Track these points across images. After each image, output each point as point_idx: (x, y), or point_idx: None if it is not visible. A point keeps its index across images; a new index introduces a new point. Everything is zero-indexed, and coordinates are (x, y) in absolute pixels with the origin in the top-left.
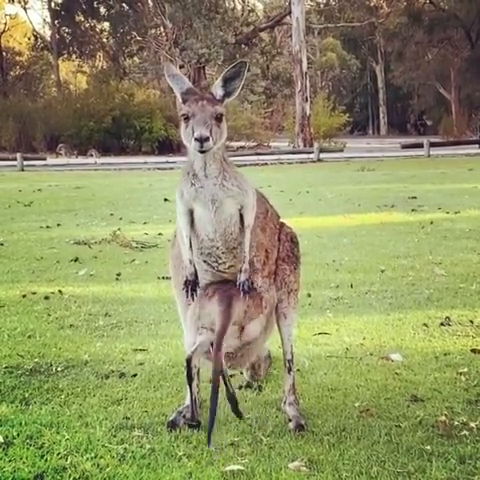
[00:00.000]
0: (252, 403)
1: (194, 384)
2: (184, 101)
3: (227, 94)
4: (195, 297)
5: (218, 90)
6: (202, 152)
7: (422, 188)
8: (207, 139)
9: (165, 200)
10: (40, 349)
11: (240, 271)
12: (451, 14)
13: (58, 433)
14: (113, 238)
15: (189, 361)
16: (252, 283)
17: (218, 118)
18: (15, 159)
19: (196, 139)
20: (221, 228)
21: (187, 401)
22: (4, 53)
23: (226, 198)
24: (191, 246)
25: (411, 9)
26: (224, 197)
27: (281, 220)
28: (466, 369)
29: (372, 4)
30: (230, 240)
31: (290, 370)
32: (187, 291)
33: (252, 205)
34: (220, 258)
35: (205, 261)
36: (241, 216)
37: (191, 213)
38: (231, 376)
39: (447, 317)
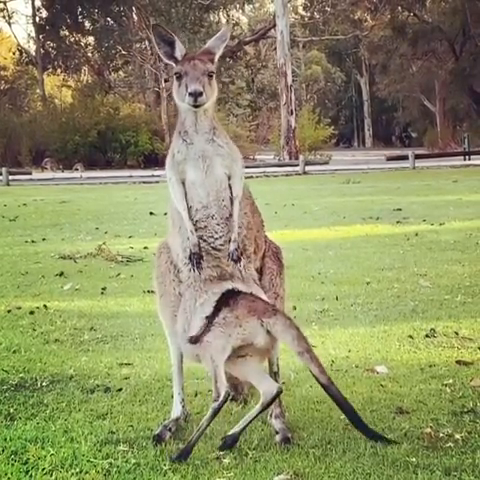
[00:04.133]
0: (238, 416)
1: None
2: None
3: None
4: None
5: (221, 48)
6: (196, 107)
7: (407, 200)
8: (201, 94)
9: (151, 214)
10: (25, 364)
11: (229, 240)
12: (435, 27)
13: (43, 448)
14: (98, 252)
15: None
16: (241, 253)
17: (210, 75)
18: (0, 173)
19: (190, 94)
20: (213, 191)
21: (173, 415)
22: None
23: (216, 156)
24: (190, 217)
25: (395, 22)
26: (214, 154)
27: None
28: (451, 381)
29: (356, 17)
30: (223, 207)
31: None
32: (193, 264)
33: (240, 176)
34: (216, 232)
35: (201, 237)
36: (230, 187)
37: (183, 184)
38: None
39: (432, 329)
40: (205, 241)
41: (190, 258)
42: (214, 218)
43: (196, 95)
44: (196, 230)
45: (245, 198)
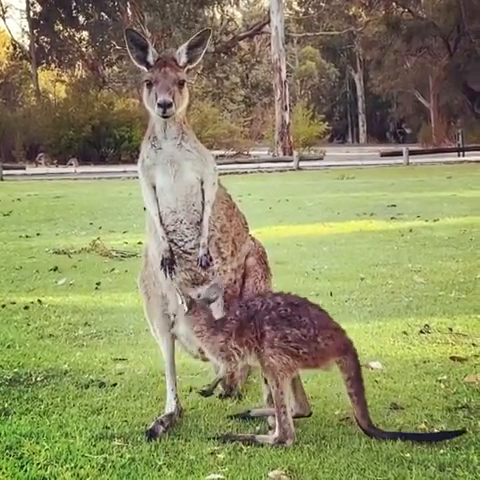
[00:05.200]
0: (232, 412)
1: None
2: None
3: (190, 61)
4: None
5: (182, 57)
6: (165, 117)
7: (401, 196)
8: (170, 105)
9: (145, 209)
10: (19, 359)
11: (199, 246)
12: (429, 23)
13: (38, 443)
14: (93, 247)
15: None
16: (211, 259)
17: (180, 84)
18: None
19: (159, 105)
20: (182, 196)
21: (167, 410)
22: None
23: (184, 160)
24: (162, 222)
25: (389, 18)
26: (182, 159)
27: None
28: (445, 377)
29: (351, 13)
30: (193, 212)
31: (267, 381)
32: (165, 270)
33: (212, 181)
34: (186, 236)
35: (172, 241)
36: (203, 192)
37: (155, 188)
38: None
39: (426, 325)
40: (176, 244)
41: (162, 263)
42: (183, 223)
43: (165, 106)
44: (167, 234)
45: (220, 202)
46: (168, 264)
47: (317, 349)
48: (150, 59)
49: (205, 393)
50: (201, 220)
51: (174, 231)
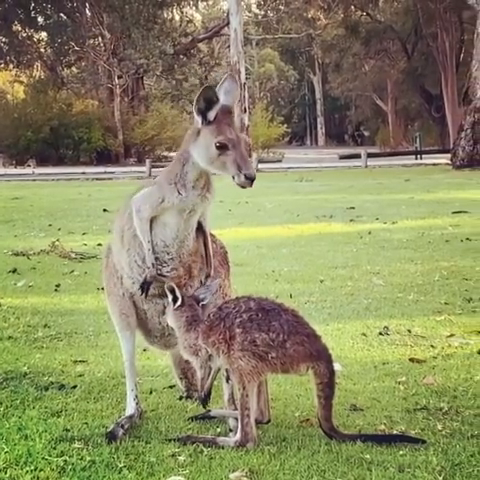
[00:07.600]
0: (193, 413)
1: None
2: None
3: None
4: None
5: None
6: (244, 188)
7: (360, 198)
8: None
9: (104, 210)
10: None
11: (207, 277)
12: (387, 26)
13: None
14: (52, 249)
15: None
16: (190, 276)
17: None
18: None
19: (248, 178)
20: (182, 235)
21: (127, 412)
22: None
23: (201, 208)
24: (152, 250)
25: (348, 21)
26: (200, 207)
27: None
28: (404, 378)
29: (309, 16)
30: (184, 247)
31: (228, 379)
32: (143, 291)
33: (208, 214)
34: (165, 262)
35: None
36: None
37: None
38: (171, 387)
39: (385, 327)
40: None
41: (143, 284)
42: (170, 254)
43: (252, 180)
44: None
45: None
46: (147, 285)
47: (285, 355)
48: (211, 115)
49: (200, 400)
50: (206, 254)
51: (156, 258)
